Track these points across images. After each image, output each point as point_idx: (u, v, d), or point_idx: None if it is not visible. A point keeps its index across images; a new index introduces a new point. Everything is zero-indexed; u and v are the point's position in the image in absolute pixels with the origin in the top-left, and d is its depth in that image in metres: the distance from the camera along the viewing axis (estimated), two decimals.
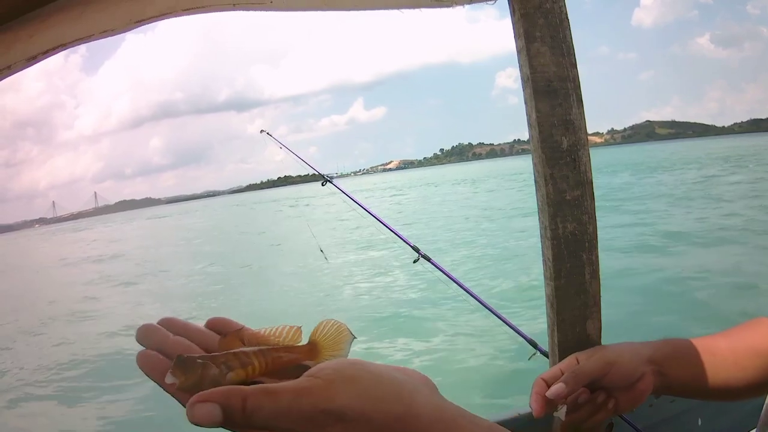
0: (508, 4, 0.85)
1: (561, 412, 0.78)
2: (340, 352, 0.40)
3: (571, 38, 0.86)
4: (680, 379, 0.79)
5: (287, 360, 0.39)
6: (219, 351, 0.38)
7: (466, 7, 0.87)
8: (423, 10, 0.83)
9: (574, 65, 0.86)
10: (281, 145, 2.63)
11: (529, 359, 1.46)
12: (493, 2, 0.88)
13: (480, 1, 0.88)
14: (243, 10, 0.66)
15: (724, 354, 0.79)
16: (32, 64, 0.58)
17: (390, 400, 0.34)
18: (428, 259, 1.81)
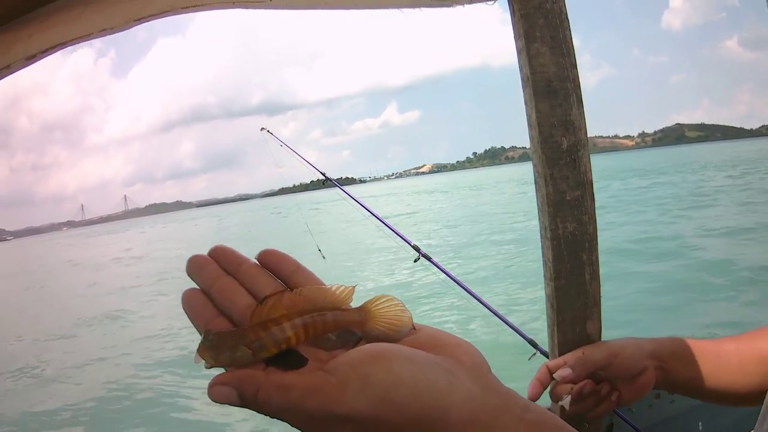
0: (508, 4, 0.85)
1: (566, 401, 0.79)
2: (391, 333, 0.36)
3: (571, 38, 0.86)
4: (682, 377, 0.79)
5: (332, 324, 0.35)
6: (254, 320, 0.34)
7: (497, 8, 0.87)
8: (423, 9, 0.83)
9: (574, 65, 0.86)
10: (281, 143, 2.63)
11: (529, 359, 1.46)
12: (493, 2, 0.88)
13: (480, 1, 0.88)
14: (242, 8, 0.66)
15: (730, 357, 0.78)
16: (31, 63, 0.58)
17: (410, 405, 0.31)
18: (428, 259, 1.81)
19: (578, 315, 0.87)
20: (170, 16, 0.62)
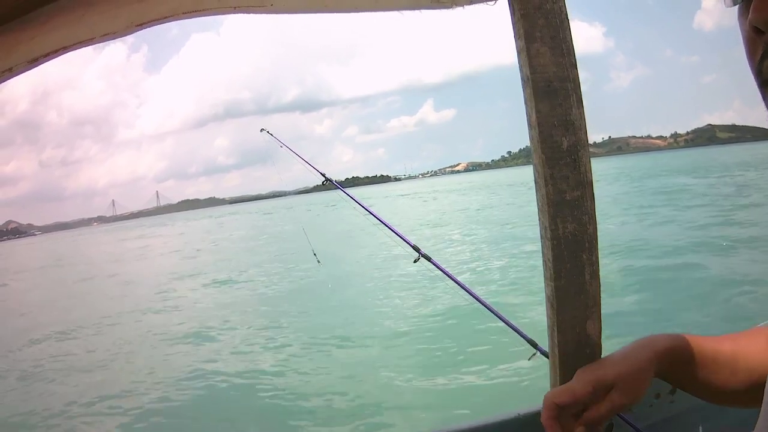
0: (508, 4, 0.85)
1: None
2: None
3: (571, 38, 0.86)
4: (677, 373, 0.80)
5: None
6: None
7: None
8: (423, 11, 0.83)
9: (574, 65, 0.86)
10: (281, 144, 2.63)
11: (529, 359, 1.46)
12: (493, 3, 0.88)
13: (480, 2, 0.88)
14: (243, 12, 0.67)
15: (727, 357, 0.79)
16: (34, 67, 0.58)
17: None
18: (428, 259, 1.81)
19: (578, 315, 0.87)
20: (172, 21, 0.62)
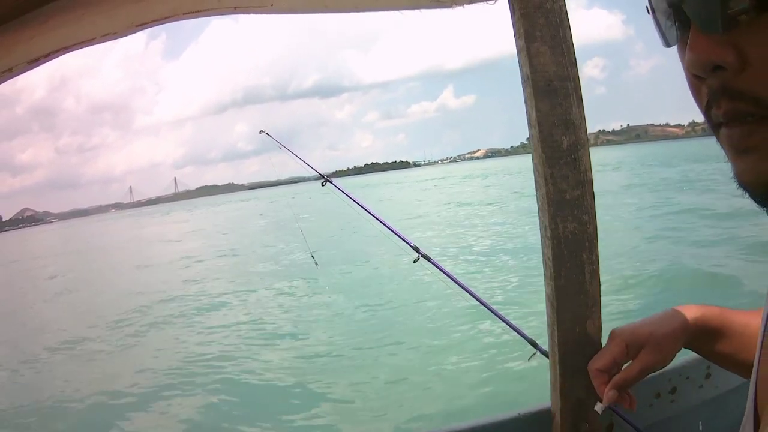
0: (508, 4, 0.85)
1: (599, 407, 0.83)
2: None
3: (571, 38, 0.86)
4: (706, 343, 0.81)
5: None
6: None
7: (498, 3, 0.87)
8: (423, 11, 0.83)
9: (574, 65, 0.86)
10: (280, 146, 2.63)
11: (529, 359, 1.46)
12: (493, 2, 0.88)
13: (480, 1, 0.88)
14: (244, 13, 0.67)
15: (756, 331, 0.80)
16: (33, 67, 0.58)
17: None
18: (428, 259, 1.81)
19: (578, 314, 0.87)
20: (172, 21, 0.62)
